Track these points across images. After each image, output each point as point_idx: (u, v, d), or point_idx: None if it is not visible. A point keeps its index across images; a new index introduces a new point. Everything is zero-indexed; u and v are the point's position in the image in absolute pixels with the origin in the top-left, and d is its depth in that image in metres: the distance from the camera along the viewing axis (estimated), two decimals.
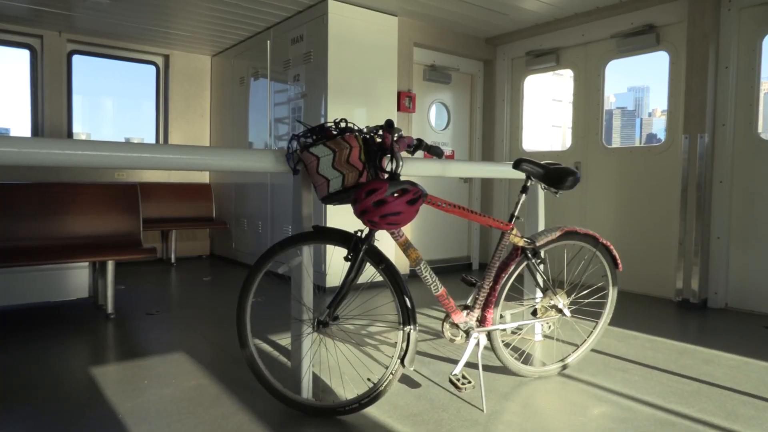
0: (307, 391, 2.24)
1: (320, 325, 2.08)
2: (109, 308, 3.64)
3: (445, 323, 2.42)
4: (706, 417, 2.21)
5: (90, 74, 6.00)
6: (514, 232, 2.43)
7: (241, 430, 2.01)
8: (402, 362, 2.04)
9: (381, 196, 1.95)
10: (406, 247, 2.19)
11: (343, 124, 2.09)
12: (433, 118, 5.70)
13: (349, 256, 2.09)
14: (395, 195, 1.97)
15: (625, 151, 4.88)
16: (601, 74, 5.00)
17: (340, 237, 2.12)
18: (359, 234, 2.10)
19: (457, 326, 2.38)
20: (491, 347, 2.48)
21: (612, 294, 2.77)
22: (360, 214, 1.98)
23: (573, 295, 2.89)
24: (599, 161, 5.01)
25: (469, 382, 2.20)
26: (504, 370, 2.65)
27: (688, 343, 3.27)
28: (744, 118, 4.10)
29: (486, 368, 2.73)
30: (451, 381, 2.20)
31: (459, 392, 2.13)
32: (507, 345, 3.05)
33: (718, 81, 4.17)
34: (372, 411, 2.21)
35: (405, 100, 5.10)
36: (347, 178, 1.99)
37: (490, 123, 5.90)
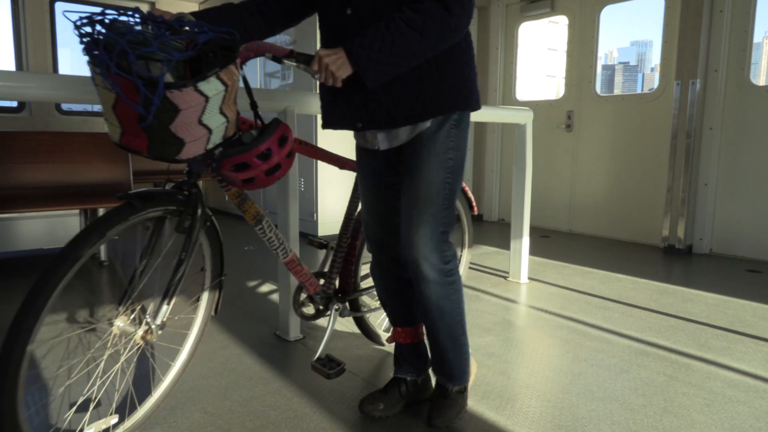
0: None
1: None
2: (102, 256, 3.68)
3: (297, 297, 1.91)
4: (680, 348, 2.29)
5: None
6: None
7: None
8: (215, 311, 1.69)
9: (280, 158, 1.40)
10: (242, 199, 1.57)
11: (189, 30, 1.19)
12: None
13: (186, 225, 1.41)
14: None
15: (618, 99, 4.84)
16: (596, 20, 4.90)
17: (168, 199, 1.38)
18: (186, 190, 1.43)
19: (312, 299, 1.88)
20: (355, 319, 2.12)
21: (467, 239, 2.51)
22: (244, 181, 1.40)
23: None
24: (592, 110, 4.98)
25: (339, 365, 1.71)
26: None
27: (670, 284, 3.35)
28: (736, 63, 4.06)
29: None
30: (314, 368, 1.70)
31: (330, 380, 1.82)
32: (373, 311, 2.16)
33: (712, 25, 4.10)
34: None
35: None
36: (230, 125, 1.32)
37: (484, 71, 5.82)
